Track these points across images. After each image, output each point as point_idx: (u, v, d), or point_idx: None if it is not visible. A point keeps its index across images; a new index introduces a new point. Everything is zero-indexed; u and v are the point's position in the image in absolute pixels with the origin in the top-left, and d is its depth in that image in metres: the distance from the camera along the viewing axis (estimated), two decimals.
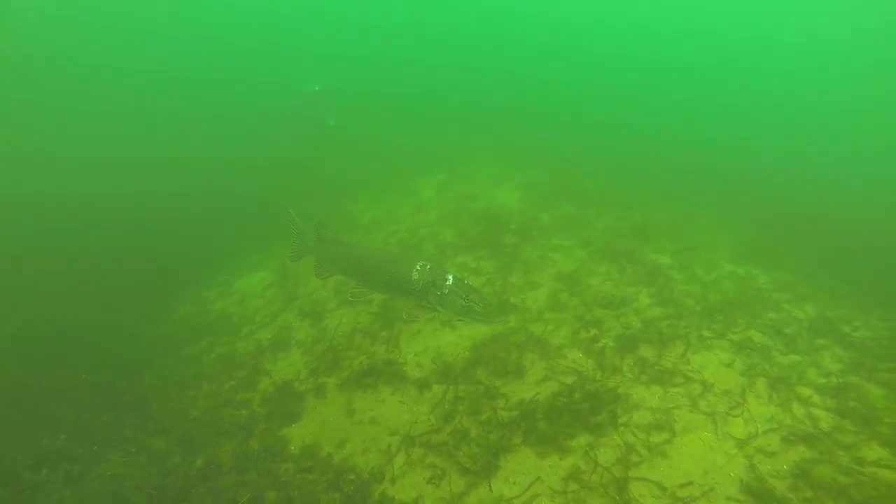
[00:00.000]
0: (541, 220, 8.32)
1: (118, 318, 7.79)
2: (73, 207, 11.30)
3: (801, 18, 40.14)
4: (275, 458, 4.58)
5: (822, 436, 3.73)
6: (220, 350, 6.71)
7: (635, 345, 4.96)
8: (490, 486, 3.78)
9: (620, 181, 10.85)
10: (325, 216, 10.22)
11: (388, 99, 23.59)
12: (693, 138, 16.90)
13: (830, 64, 31.91)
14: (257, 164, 14.80)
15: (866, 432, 3.73)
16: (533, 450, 4.00)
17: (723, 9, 43.70)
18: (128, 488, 4.16)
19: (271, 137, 17.25)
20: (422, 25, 44.06)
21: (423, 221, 8.94)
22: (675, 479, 3.55)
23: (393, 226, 9.12)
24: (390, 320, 6.22)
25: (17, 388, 5.83)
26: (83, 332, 7.22)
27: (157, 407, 5.63)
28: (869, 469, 3.38)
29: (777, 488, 3.37)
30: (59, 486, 4.40)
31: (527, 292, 6.27)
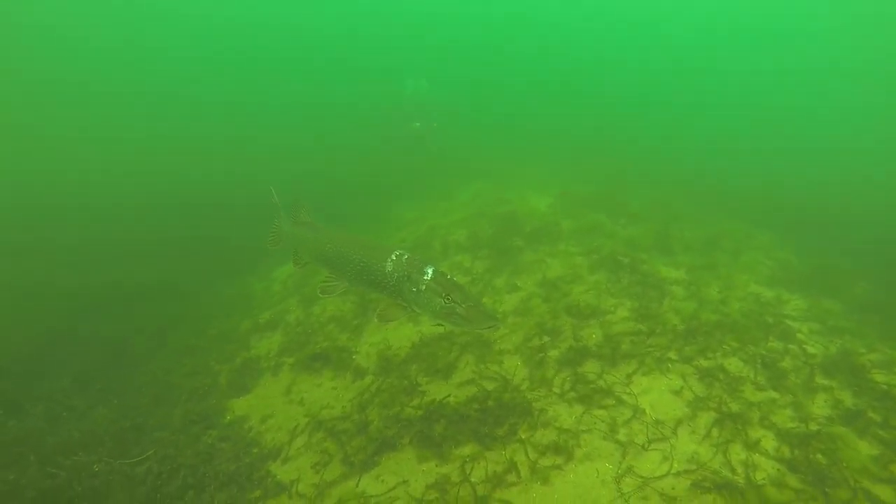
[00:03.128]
0: (560, 226, 7.75)
1: (170, 288, 8.77)
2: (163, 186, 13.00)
3: None
4: (206, 425, 4.79)
5: (748, 488, 2.95)
6: (227, 325, 7.22)
7: (582, 359, 4.38)
8: (358, 481, 3.58)
9: (672, 194, 9.75)
10: (363, 215, 10.69)
11: (460, 104, 23.73)
12: (770, 153, 14.80)
13: None
14: (335, 155, 15.86)
15: (811, 493, 2.88)
16: (416, 452, 3.71)
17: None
18: (63, 432, 4.60)
19: (356, 130, 18.46)
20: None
21: (445, 223, 8.83)
22: None
23: (416, 226, 9.14)
24: (367, 310, 6.22)
25: (55, 334, 6.83)
26: (133, 294, 8.27)
27: (150, 367, 6.21)
28: None
29: None
30: (34, 419, 5.02)
31: (504, 295, 5.87)
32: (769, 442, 3.32)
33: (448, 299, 2.93)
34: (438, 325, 3.15)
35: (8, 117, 21.29)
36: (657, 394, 3.86)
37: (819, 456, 3.15)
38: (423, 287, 3.03)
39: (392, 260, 3.22)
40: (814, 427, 3.40)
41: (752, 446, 3.29)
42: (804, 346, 4.42)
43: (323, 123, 21.44)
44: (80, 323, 7.19)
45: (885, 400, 3.64)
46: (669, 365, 4.16)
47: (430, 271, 3.10)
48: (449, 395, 4.20)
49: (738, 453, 3.25)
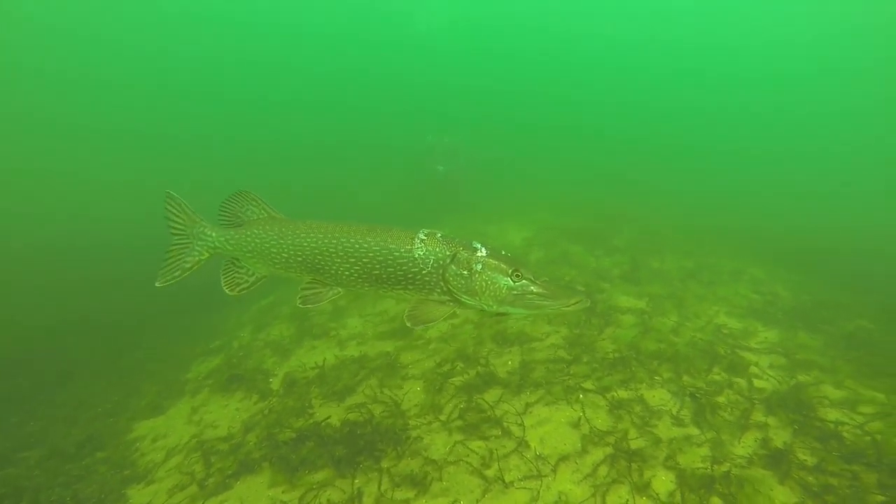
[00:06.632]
0: (528, 256, 7.31)
1: (148, 319, 8.78)
2: None
3: None
4: (96, 446, 4.60)
5: None
6: (183, 351, 7.04)
7: (485, 386, 3.87)
8: None
9: (668, 230, 9.12)
10: None
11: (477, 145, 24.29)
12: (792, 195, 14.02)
13: None
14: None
15: None
16: (272, 476, 3.29)
17: None
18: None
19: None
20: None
21: None
22: None
23: None
24: (303, 335, 5.90)
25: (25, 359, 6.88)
26: (107, 325, 8.33)
27: (85, 388, 6.09)
28: None
29: None
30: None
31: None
32: (663, 484, 2.69)
33: (517, 276, 2.34)
34: (501, 314, 2.48)
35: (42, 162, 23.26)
36: (553, 426, 3.29)
37: (717, 501, 2.51)
38: (479, 267, 2.37)
39: (422, 240, 2.50)
40: (724, 468, 2.75)
41: (641, 489, 2.67)
42: (753, 379, 3.74)
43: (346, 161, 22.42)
44: (48, 349, 7.26)
45: (827, 441, 2.94)
46: (580, 395, 3.59)
47: (481, 247, 2.46)
48: (329, 418, 3.77)
49: (619, 496, 2.64)
